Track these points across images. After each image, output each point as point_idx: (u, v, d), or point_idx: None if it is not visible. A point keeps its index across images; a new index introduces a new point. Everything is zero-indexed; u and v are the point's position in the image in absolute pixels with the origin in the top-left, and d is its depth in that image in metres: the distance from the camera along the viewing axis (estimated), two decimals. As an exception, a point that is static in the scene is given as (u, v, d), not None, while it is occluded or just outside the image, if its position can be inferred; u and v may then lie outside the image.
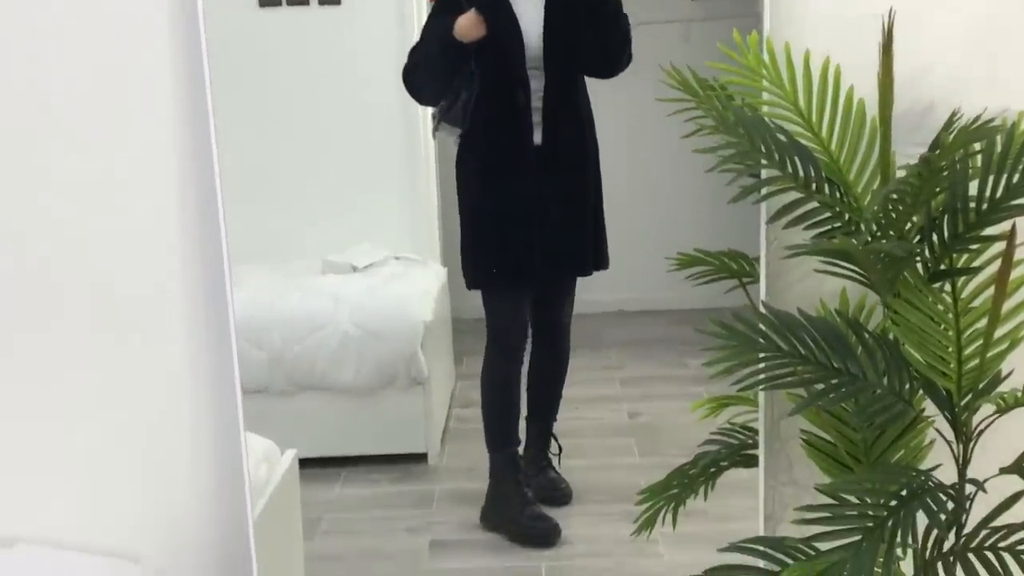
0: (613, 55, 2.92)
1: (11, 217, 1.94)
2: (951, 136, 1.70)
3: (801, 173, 1.76)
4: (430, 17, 2.92)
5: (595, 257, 3.10)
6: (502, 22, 2.79)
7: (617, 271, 3.17)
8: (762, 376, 1.71)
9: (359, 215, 3.83)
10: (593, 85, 3.02)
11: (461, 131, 2.95)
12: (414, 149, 3.74)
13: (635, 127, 4.73)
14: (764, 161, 1.76)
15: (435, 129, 3.06)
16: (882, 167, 1.79)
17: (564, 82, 2.94)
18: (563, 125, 2.96)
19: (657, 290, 4.81)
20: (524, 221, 2.95)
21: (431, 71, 2.87)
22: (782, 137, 1.79)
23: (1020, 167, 1.67)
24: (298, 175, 3.70)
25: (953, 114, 1.78)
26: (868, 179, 1.82)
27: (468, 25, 2.78)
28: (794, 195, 1.75)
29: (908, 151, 1.92)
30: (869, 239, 1.70)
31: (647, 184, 4.88)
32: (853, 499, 1.65)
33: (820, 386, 1.68)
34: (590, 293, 3.47)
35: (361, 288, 3.56)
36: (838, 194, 1.78)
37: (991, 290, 1.72)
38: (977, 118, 1.63)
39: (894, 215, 1.70)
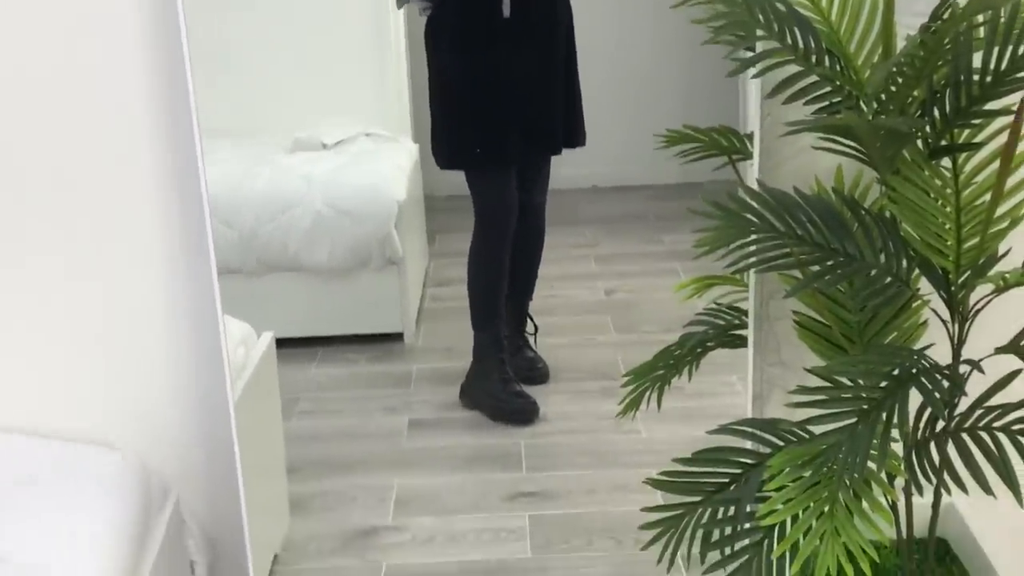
0: None
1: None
2: (949, 9, 1.63)
3: (801, 45, 1.68)
4: None
5: (570, 133, 3.01)
6: None
7: (592, 146, 3.10)
8: (755, 259, 1.66)
9: (328, 88, 3.72)
10: None
11: (432, 2, 2.81)
12: (382, 20, 3.61)
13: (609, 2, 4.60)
14: (762, 32, 1.68)
15: (399, 2, 2.92)
16: (884, 38, 1.71)
17: None
18: None
19: (632, 165, 4.74)
20: (499, 97, 2.85)
21: None
22: (780, 6, 1.70)
23: None
24: (263, 46, 3.56)
25: (956, -19, 1.69)
26: (869, 51, 1.74)
27: None
28: (793, 68, 1.68)
29: (909, 21, 1.84)
30: (870, 114, 1.64)
31: (624, 55, 4.76)
32: (847, 381, 1.62)
33: (816, 268, 1.64)
34: (564, 168, 3.40)
35: (332, 167, 3.47)
36: (838, 67, 1.71)
37: (992, 167, 1.67)
38: (987, -11, 1.54)
39: (895, 89, 1.63)
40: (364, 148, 3.64)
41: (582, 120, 3.06)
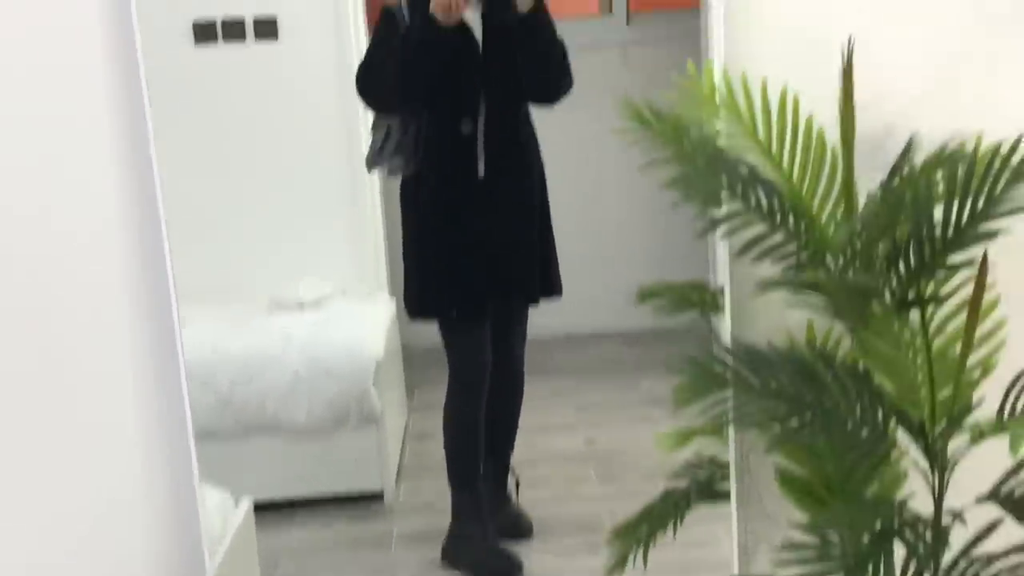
0: (552, 81, 2.87)
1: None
2: (911, 167, 1.68)
3: (765, 205, 1.72)
4: (373, 39, 2.80)
5: (546, 284, 3.04)
6: (456, 43, 2.71)
7: (566, 294, 3.13)
8: (732, 414, 1.66)
9: (304, 248, 3.77)
10: (537, 110, 2.98)
11: (413, 162, 2.86)
12: (358, 180, 3.68)
13: (581, 151, 4.71)
14: (726, 194, 1.72)
15: (375, 163, 2.91)
16: (845, 196, 1.76)
17: (505, 110, 2.89)
18: (506, 155, 2.90)
19: (606, 313, 4.79)
20: (473, 254, 2.89)
21: (410, 63, 2.66)
22: (743, 169, 1.75)
23: (984, 191, 1.65)
24: (241, 210, 3.63)
25: (912, 138, 1.76)
26: (832, 208, 1.79)
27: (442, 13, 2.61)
28: (759, 227, 1.72)
29: (869, 175, 1.91)
30: (836, 270, 1.67)
31: (593, 208, 4.86)
32: (831, 537, 1.61)
33: (793, 422, 1.64)
34: (539, 317, 3.42)
35: (311, 326, 3.48)
36: (803, 225, 1.75)
37: (961, 317, 1.70)
38: (942, 149, 1.60)
39: (860, 245, 1.67)
40: (342, 306, 3.67)
41: (557, 270, 3.11)
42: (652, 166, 1.99)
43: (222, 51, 3.54)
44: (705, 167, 1.75)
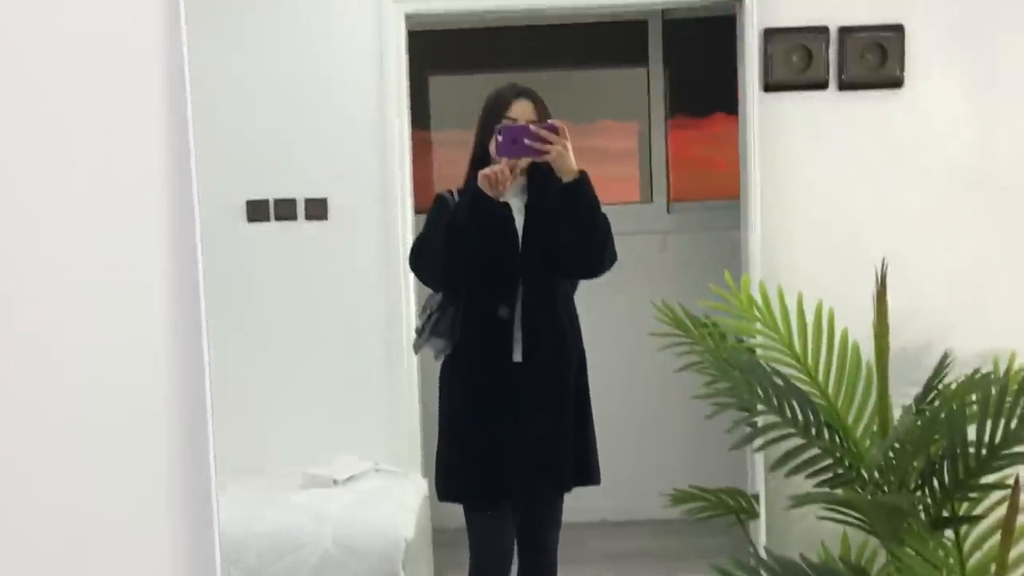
0: (595, 251, 2.87)
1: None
2: (944, 384, 1.72)
3: (800, 418, 1.76)
4: (427, 219, 2.89)
5: (582, 471, 3.03)
6: (498, 223, 2.78)
7: (602, 479, 3.11)
8: (766, 628, 1.66)
9: (341, 424, 3.78)
10: (581, 293, 3.01)
11: (451, 343, 2.91)
12: (396, 360, 3.72)
13: (620, 336, 4.75)
14: (762, 406, 1.76)
15: (418, 345, 2.99)
16: (880, 411, 1.79)
17: (544, 294, 2.91)
18: (544, 340, 2.91)
19: (640, 499, 4.75)
20: (502, 440, 2.89)
21: (455, 239, 2.73)
22: (779, 381, 1.79)
23: (1017, 413, 1.68)
24: (280, 384, 3.66)
25: (945, 355, 1.79)
26: (867, 423, 1.82)
27: (492, 174, 2.68)
28: (795, 440, 1.75)
29: (904, 390, 1.94)
30: (870, 488, 1.69)
31: (632, 393, 4.87)
32: None
33: (828, 640, 1.64)
34: (573, 501, 3.40)
35: (344, 505, 3.46)
36: (837, 439, 1.78)
37: (995, 538, 1.70)
38: (975, 372, 1.64)
39: (895, 462, 1.69)
40: (375, 484, 3.66)
41: (596, 457, 3.07)
42: (688, 368, 2.04)
43: (274, 228, 3.63)
44: (741, 377, 1.79)
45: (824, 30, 2.19)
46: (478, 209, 2.72)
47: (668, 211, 4.68)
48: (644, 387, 4.85)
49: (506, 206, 2.81)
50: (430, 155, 4.20)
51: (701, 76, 3.85)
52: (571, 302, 3.06)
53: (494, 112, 2.66)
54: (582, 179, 2.67)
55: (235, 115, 3.10)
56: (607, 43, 4.04)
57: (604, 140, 4.22)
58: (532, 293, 2.89)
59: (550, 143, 2.41)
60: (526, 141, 2.25)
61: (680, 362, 2.12)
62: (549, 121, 2.34)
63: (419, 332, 2.87)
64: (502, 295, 2.88)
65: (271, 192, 3.58)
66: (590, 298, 3.10)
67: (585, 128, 4.04)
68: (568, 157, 2.51)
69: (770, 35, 2.21)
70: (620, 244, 3.19)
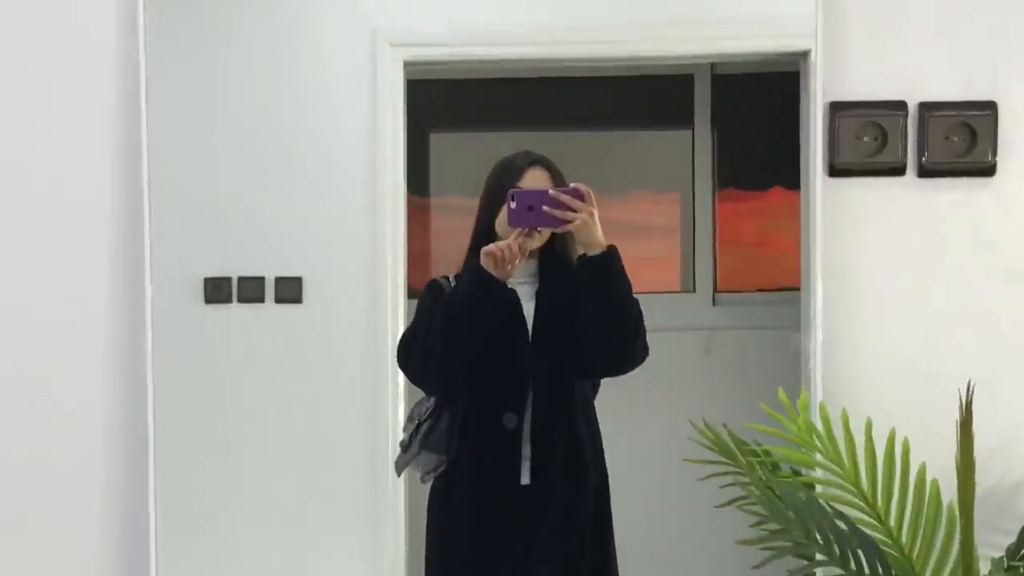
0: (624, 346, 2.80)
1: None
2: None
3: (867, 571, 1.77)
4: (417, 307, 2.88)
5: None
6: (504, 311, 2.77)
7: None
8: None
9: (308, 558, 3.74)
10: (602, 401, 2.97)
11: (444, 460, 2.90)
12: (381, 479, 3.67)
13: (651, 459, 4.71)
14: (821, 556, 1.78)
15: (403, 463, 2.95)
16: (963, 564, 1.81)
17: (558, 397, 2.88)
18: (558, 457, 2.87)
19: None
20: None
21: (452, 329, 2.70)
22: (842, 525, 1.81)
23: None
24: (240, 504, 3.59)
25: (1044, 496, 1.82)
26: None
27: (498, 250, 2.65)
28: (859, 599, 1.77)
29: (993, 539, 1.96)
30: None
31: (663, 527, 4.80)
32: None
33: None
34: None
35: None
36: (912, 598, 1.80)
37: None
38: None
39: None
40: (347, 629, 3.62)
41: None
42: (735, 504, 2.07)
43: (237, 312, 3.59)
44: (796, 519, 1.81)
45: (902, 106, 2.22)
46: (480, 292, 2.74)
47: (714, 303, 4.69)
48: (679, 520, 4.79)
49: (512, 292, 2.82)
50: (428, 226, 4.20)
51: (756, 142, 3.91)
52: (592, 410, 3.04)
53: (502, 184, 2.68)
54: (611, 253, 2.65)
55: (194, 175, 3.11)
56: (644, 100, 4.07)
57: (637, 214, 4.24)
58: (544, 398, 2.87)
59: (573, 210, 2.41)
60: (544, 208, 2.28)
61: (722, 495, 2.14)
62: (572, 185, 2.33)
63: (405, 447, 2.87)
64: (508, 400, 2.86)
65: (234, 268, 3.56)
66: (616, 407, 3.09)
67: (615, 201, 4.06)
68: (595, 228, 2.50)
69: (837, 109, 2.25)
70: (655, 341, 3.18)
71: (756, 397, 3.08)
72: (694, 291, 4.73)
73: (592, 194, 2.28)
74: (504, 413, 2.78)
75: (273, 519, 3.71)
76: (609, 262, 2.58)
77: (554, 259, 2.73)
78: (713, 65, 3.95)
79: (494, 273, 2.66)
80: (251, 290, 3.60)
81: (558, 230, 2.37)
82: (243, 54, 3.08)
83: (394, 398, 3.44)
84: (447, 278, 2.85)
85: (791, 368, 2.77)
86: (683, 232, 4.39)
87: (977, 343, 2.12)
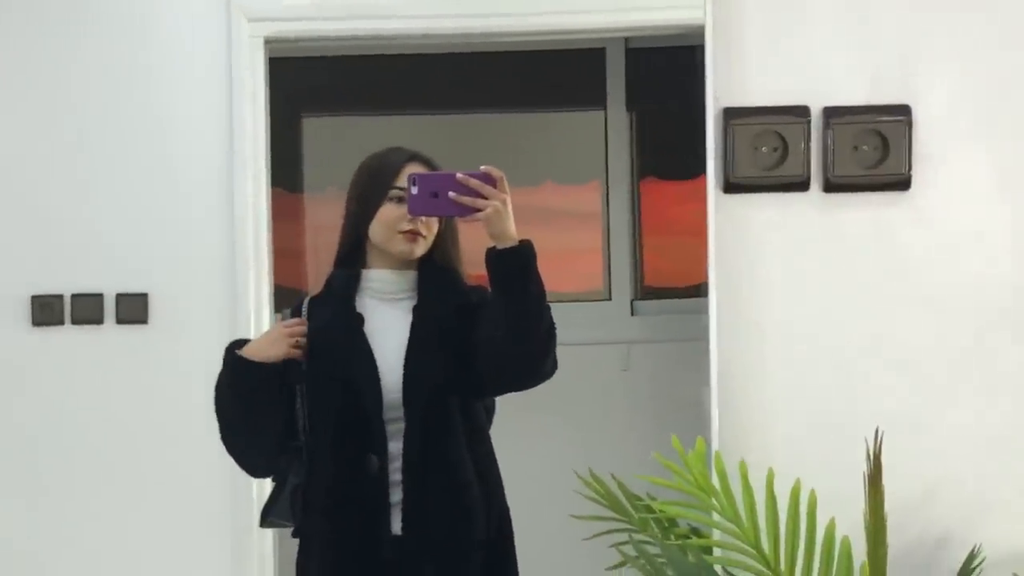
0: (533, 355, 2.70)
1: None
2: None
3: None
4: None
5: None
6: (344, 352, 2.74)
7: None
8: None
9: None
10: (500, 429, 2.92)
11: (294, 521, 2.88)
12: (244, 532, 3.65)
13: (557, 489, 4.73)
14: None
15: (262, 522, 2.94)
16: None
17: (436, 429, 2.82)
18: (436, 498, 2.82)
19: None
20: None
21: (225, 418, 2.71)
22: None
23: None
24: (71, 566, 3.57)
25: (973, 554, 1.89)
26: None
27: (267, 340, 2.64)
28: None
29: None
30: None
31: (579, 570, 4.82)
32: None
33: None
34: None
35: None
36: None
37: None
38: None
39: None
40: None
41: None
42: (622, 567, 2.12)
43: (70, 335, 3.55)
44: None
45: (804, 111, 2.25)
46: (245, 382, 2.72)
47: (632, 312, 4.72)
48: (601, 558, 4.82)
49: (358, 318, 2.80)
50: (302, 227, 4.18)
51: (679, 122, 3.91)
52: (485, 441, 2.94)
53: (377, 184, 2.68)
54: (525, 249, 2.58)
55: (17, 180, 3.08)
56: (551, 78, 4.08)
57: (551, 203, 4.23)
58: (418, 431, 2.81)
59: (484, 197, 2.35)
60: (451, 195, 2.22)
61: (612, 556, 2.17)
62: (482, 168, 2.27)
63: (267, 504, 2.86)
64: (367, 441, 2.81)
65: (67, 284, 3.50)
66: (516, 436, 3.09)
67: (527, 191, 4.07)
68: (507, 218, 2.38)
69: (732, 116, 2.26)
70: (565, 358, 3.19)
71: (677, 422, 3.15)
72: (610, 299, 4.77)
73: (504, 180, 2.25)
74: (365, 456, 2.74)
75: (116, 568, 3.68)
76: (523, 259, 2.47)
77: (434, 269, 2.72)
78: (627, 39, 3.98)
79: (257, 359, 2.64)
80: (87, 309, 3.50)
81: (465, 219, 2.33)
82: (73, 35, 3.02)
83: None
84: (300, 305, 2.82)
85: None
86: (602, 226, 4.43)
87: (892, 379, 2.14)
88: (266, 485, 3.34)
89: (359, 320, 2.70)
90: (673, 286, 4.68)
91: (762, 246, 2.26)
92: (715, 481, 2.01)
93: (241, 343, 2.73)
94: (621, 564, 1.94)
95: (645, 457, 2.62)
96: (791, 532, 1.91)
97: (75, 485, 3.48)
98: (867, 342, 2.23)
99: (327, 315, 2.71)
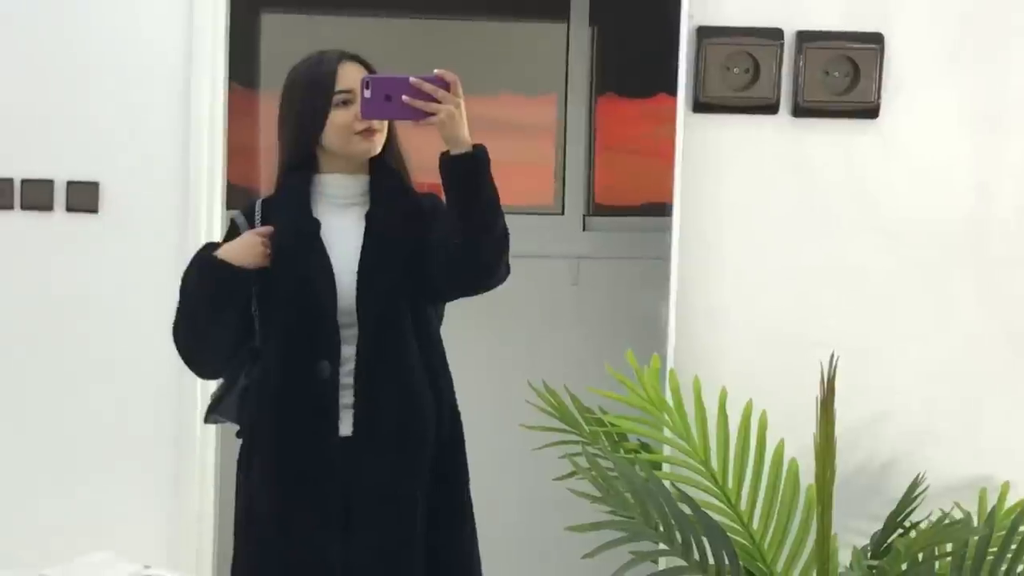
0: (487, 259, 2.70)
1: None
2: (911, 521, 1.82)
3: (711, 561, 1.81)
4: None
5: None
6: (301, 256, 2.73)
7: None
8: None
9: (94, 507, 3.68)
10: (448, 336, 2.91)
11: (243, 416, 2.87)
12: (188, 421, 3.64)
13: (505, 401, 4.73)
14: (662, 544, 1.84)
15: (206, 419, 2.93)
16: (819, 558, 1.84)
17: (388, 332, 2.81)
18: (387, 401, 2.81)
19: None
20: (322, 560, 2.76)
21: (189, 318, 2.71)
22: (686, 509, 1.84)
23: (1003, 570, 1.74)
24: (9, 438, 3.55)
25: (916, 481, 1.90)
26: (804, 570, 1.90)
27: (243, 247, 2.65)
28: (702, 595, 1.81)
29: (859, 525, 2.01)
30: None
31: (530, 485, 4.78)
32: None
33: None
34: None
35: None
36: (760, 592, 1.86)
37: None
38: (944, 516, 1.75)
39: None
40: (144, 596, 3.59)
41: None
42: (571, 477, 2.11)
43: (18, 222, 3.51)
44: (636, 501, 1.86)
45: (777, 34, 2.25)
46: (222, 287, 2.71)
47: (584, 227, 4.72)
48: (532, 485, 4.77)
49: (315, 223, 2.79)
50: (256, 123, 4.15)
51: (642, 39, 3.89)
52: (436, 343, 2.95)
53: (320, 91, 2.65)
54: (478, 154, 2.58)
55: None
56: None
57: (506, 114, 4.22)
58: (371, 335, 2.81)
59: (437, 101, 2.35)
60: (404, 98, 2.19)
61: (560, 467, 2.16)
62: (436, 72, 2.27)
63: (213, 402, 2.85)
64: (319, 347, 2.79)
65: (17, 170, 3.48)
66: (465, 345, 3.09)
67: (484, 101, 4.05)
68: (461, 122, 2.40)
69: (705, 35, 2.25)
70: (514, 270, 3.18)
71: (627, 339, 3.17)
72: (563, 213, 4.77)
73: (459, 83, 2.24)
74: (316, 362, 2.74)
75: (52, 466, 3.65)
76: (476, 164, 2.46)
77: (386, 172, 2.71)
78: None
79: (236, 263, 2.63)
80: (37, 195, 3.49)
81: (418, 123, 2.33)
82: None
83: (208, 328, 3.44)
84: (254, 208, 2.79)
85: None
86: (556, 140, 4.43)
87: (848, 307, 2.17)
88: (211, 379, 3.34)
89: (316, 225, 2.70)
90: (625, 204, 4.69)
91: (728, 167, 2.28)
92: (668, 398, 2.01)
93: (213, 246, 2.73)
94: (571, 475, 1.93)
95: (591, 371, 2.63)
96: (740, 451, 1.94)
97: (16, 371, 3.45)
98: (826, 268, 2.26)
99: (283, 220, 2.70)
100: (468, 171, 2.47)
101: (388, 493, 2.74)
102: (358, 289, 2.70)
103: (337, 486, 2.73)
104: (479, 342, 3.11)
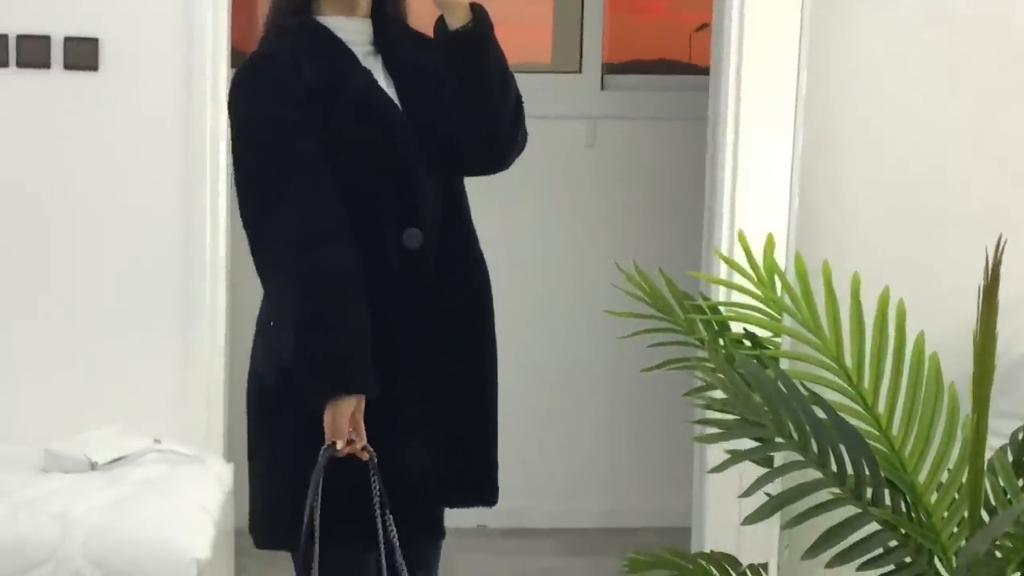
0: (504, 135, 2.60)
1: None
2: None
3: (850, 472, 1.61)
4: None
5: (481, 482, 2.79)
6: (376, 112, 2.55)
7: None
8: None
9: (104, 381, 3.59)
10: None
11: None
12: (196, 289, 3.52)
13: (526, 273, 4.58)
14: (793, 451, 1.62)
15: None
16: (972, 466, 1.65)
17: (450, 200, 2.70)
18: (463, 278, 2.69)
19: (537, 500, 4.59)
20: (415, 432, 2.58)
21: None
22: (819, 411, 1.64)
23: None
24: (16, 311, 3.45)
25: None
26: (949, 480, 1.70)
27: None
28: (845, 508, 1.60)
29: (995, 425, 1.82)
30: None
31: (537, 356, 4.66)
32: None
33: None
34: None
35: (104, 503, 3.24)
36: (903, 504, 1.65)
37: None
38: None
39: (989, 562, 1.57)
40: (152, 472, 3.44)
41: (495, 458, 2.83)
42: (665, 367, 1.91)
43: (16, 78, 3.42)
44: (763, 405, 1.63)
45: None
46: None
47: (602, 86, 4.51)
48: (558, 342, 4.68)
49: (366, 72, 2.56)
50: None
51: None
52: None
53: None
54: (480, 26, 2.39)
55: None
56: None
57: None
58: (434, 204, 2.62)
59: None
60: None
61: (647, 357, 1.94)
62: None
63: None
64: (405, 213, 2.59)
65: (11, 24, 3.38)
66: (484, 215, 2.90)
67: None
68: None
69: None
70: (531, 128, 2.98)
71: (650, 208, 2.92)
72: (579, 71, 4.54)
73: None
74: (404, 230, 2.55)
75: (59, 331, 3.50)
76: (480, 38, 2.36)
77: (387, 20, 2.50)
78: None
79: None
80: (34, 52, 3.36)
81: None
82: None
83: (214, 185, 3.24)
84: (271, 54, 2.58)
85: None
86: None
87: (1000, 178, 1.96)
88: (220, 235, 3.25)
89: (368, 74, 2.53)
90: (639, 59, 4.59)
91: (861, 18, 2.04)
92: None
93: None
94: (663, 365, 1.69)
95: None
96: (877, 346, 1.68)
97: (18, 233, 3.39)
98: (975, 131, 2.03)
99: (329, 74, 2.50)
100: (474, 45, 2.36)
101: (477, 352, 2.54)
102: (419, 134, 2.50)
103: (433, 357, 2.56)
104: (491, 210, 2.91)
